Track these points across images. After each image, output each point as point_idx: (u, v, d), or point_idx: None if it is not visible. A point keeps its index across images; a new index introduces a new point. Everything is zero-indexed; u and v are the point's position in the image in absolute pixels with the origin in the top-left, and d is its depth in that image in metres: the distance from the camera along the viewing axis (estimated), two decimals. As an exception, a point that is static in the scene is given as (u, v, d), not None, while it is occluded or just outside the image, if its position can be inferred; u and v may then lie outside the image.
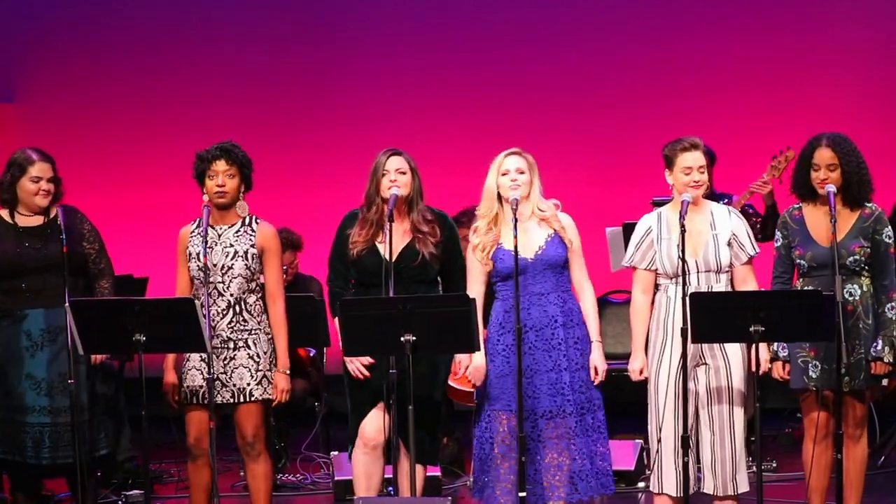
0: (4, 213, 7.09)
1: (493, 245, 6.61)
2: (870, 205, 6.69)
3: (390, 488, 6.86)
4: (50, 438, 6.95)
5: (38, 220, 7.05)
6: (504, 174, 6.58)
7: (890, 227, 6.67)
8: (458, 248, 6.81)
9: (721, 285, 6.57)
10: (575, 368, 6.58)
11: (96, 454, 7.11)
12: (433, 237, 6.74)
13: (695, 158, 6.57)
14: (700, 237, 6.59)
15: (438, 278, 6.83)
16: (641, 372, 6.64)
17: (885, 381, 6.73)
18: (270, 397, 6.78)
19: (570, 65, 11.28)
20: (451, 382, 8.36)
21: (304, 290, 9.20)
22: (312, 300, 8.72)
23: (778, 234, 6.78)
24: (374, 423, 6.70)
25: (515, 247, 6.44)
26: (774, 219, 8.13)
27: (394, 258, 6.64)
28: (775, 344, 6.66)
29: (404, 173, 6.72)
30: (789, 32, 11.06)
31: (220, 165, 6.74)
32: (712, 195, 8.62)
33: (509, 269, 6.53)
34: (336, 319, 6.72)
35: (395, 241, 6.63)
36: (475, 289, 6.62)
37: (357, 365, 6.71)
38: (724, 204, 6.85)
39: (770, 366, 6.63)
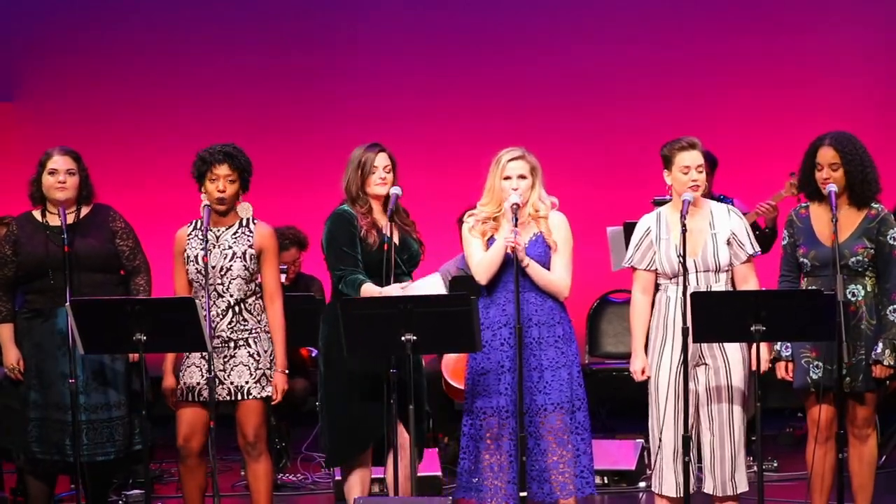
0: (37, 213, 7.08)
1: (489, 234, 6.58)
2: (876, 205, 6.68)
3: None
4: (87, 436, 6.92)
5: (68, 219, 6.98)
6: (506, 178, 6.55)
7: (895, 228, 6.66)
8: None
9: (720, 284, 6.56)
10: (555, 367, 6.55)
11: (133, 449, 7.03)
12: (413, 226, 6.76)
13: (693, 157, 6.56)
14: (699, 236, 6.58)
15: None
16: (643, 372, 6.62)
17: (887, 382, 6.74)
18: (269, 395, 6.78)
19: (571, 65, 11.27)
20: (451, 381, 8.39)
21: (306, 289, 9.22)
22: (312, 299, 8.72)
23: (785, 233, 6.78)
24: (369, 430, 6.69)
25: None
26: (769, 240, 8.15)
27: (394, 250, 6.62)
28: (779, 343, 6.66)
29: (391, 170, 6.70)
30: (792, 34, 11.05)
31: (223, 170, 6.72)
32: (710, 197, 8.63)
33: None
34: (364, 287, 6.52)
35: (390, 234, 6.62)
36: (477, 256, 6.58)
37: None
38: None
39: (770, 365, 6.62)
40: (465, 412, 6.63)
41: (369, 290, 6.52)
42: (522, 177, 6.54)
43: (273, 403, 6.78)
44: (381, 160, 6.68)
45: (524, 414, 6.47)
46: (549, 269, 6.59)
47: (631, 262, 6.67)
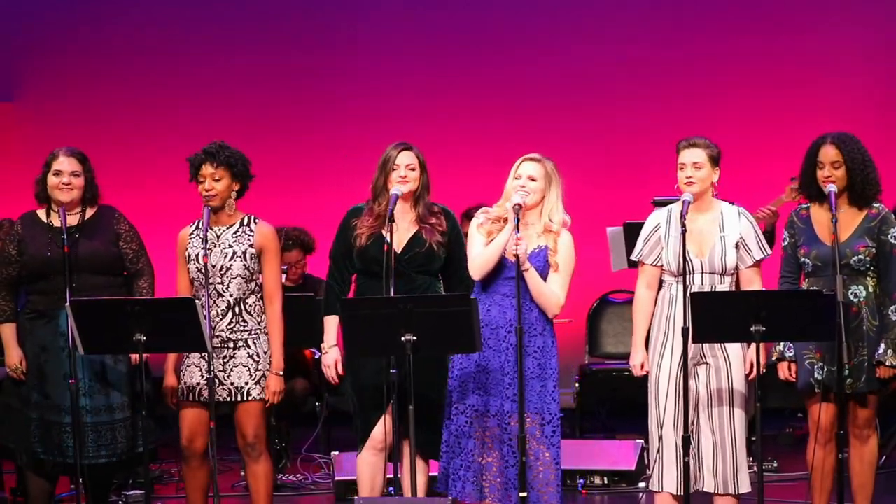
0: (41, 213, 7.08)
1: (496, 234, 6.59)
2: (877, 205, 6.69)
3: (391, 489, 6.86)
4: (90, 438, 6.91)
5: (72, 220, 6.98)
6: (517, 178, 6.56)
7: (896, 227, 6.67)
8: (461, 242, 6.80)
9: (725, 286, 6.56)
10: (528, 377, 6.52)
11: (137, 451, 7.01)
12: (440, 227, 6.75)
13: (690, 155, 6.55)
14: (707, 238, 6.57)
15: (440, 274, 6.83)
16: (643, 366, 6.62)
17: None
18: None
19: (571, 65, 11.28)
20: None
21: (313, 291, 9.18)
22: (314, 300, 8.71)
23: (785, 234, 6.78)
24: (383, 426, 6.69)
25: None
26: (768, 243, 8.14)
27: (400, 248, 6.65)
28: (782, 344, 6.66)
29: (414, 169, 6.72)
30: (792, 34, 11.07)
31: (206, 169, 6.73)
32: None
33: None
34: (326, 318, 6.75)
35: (401, 232, 6.65)
36: (475, 251, 6.59)
37: (332, 373, 6.77)
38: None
39: (764, 369, 6.60)
40: (445, 407, 6.65)
41: (327, 321, 6.77)
42: (532, 178, 6.54)
43: (266, 406, 6.76)
44: (403, 158, 6.72)
45: (494, 416, 6.50)
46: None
47: (639, 256, 6.67)
